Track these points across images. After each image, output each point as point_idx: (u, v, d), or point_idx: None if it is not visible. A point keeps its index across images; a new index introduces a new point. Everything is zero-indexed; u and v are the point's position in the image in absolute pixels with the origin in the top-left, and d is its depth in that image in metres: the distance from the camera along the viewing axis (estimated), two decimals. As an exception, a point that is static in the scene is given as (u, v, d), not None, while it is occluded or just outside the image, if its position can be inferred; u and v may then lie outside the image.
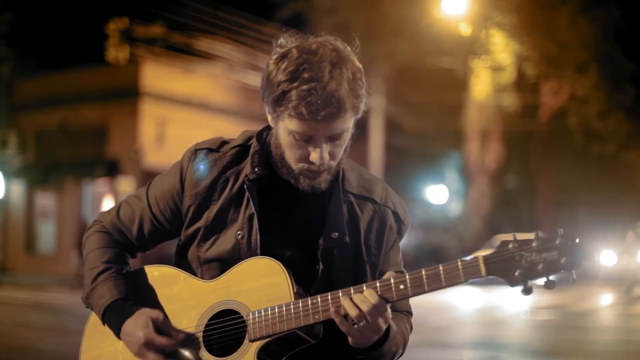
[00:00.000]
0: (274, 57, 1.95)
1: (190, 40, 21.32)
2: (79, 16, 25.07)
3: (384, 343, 1.91)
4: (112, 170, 22.99)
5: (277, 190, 2.02)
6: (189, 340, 1.99)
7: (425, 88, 23.68)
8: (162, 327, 1.96)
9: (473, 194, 25.93)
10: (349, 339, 1.88)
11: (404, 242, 2.22)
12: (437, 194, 30.60)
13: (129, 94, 22.58)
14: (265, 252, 1.97)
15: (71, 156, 23.55)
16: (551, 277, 1.72)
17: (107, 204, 23.33)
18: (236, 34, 20.79)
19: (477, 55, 23.96)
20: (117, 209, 2.17)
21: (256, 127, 2.16)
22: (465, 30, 23.08)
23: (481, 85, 24.62)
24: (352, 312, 1.81)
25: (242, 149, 2.07)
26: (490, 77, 24.51)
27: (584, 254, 1.71)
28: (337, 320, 1.83)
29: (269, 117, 1.99)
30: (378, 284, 1.85)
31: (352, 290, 1.86)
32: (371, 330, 1.84)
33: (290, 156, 1.94)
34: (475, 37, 23.43)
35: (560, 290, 1.85)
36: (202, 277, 2.04)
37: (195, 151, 2.09)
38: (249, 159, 2.04)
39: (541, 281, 1.74)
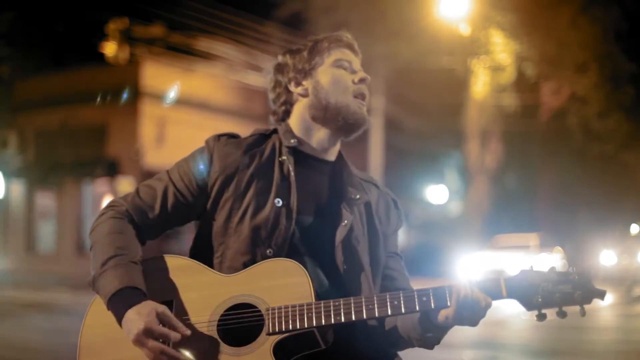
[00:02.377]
0: (288, 54, 2.28)
1: (190, 40, 21.32)
2: (79, 16, 25.06)
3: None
4: (112, 170, 22.99)
5: (303, 162, 2.17)
6: (201, 329, 1.98)
7: (425, 88, 23.66)
8: (166, 320, 1.95)
9: (473, 194, 25.91)
10: (442, 317, 1.93)
11: (404, 242, 2.30)
12: (437, 194, 30.61)
13: (129, 94, 22.56)
14: (299, 216, 2.08)
15: (71, 156, 23.54)
16: (564, 308, 1.88)
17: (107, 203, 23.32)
18: (236, 34, 20.79)
19: (477, 55, 23.95)
20: (137, 191, 2.19)
21: (256, 127, 2.32)
22: (465, 30, 23.07)
23: (481, 85, 24.61)
24: (465, 300, 1.89)
25: (261, 136, 2.23)
26: (490, 77, 24.50)
27: (597, 292, 1.90)
28: (454, 307, 1.89)
29: (300, 87, 2.21)
30: (402, 295, 1.92)
31: (375, 299, 1.92)
32: (470, 321, 1.93)
33: (339, 87, 2.17)
34: (475, 37, 23.42)
35: (568, 308, 1.93)
36: (226, 251, 2.07)
37: (218, 136, 2.21)
38: (279, 136, 2.21)
39: (554, 310, 1.90)
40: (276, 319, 1.92)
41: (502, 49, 24.07)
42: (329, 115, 2.16)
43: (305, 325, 1.90)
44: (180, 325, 1.95)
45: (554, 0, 23.35)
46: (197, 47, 21.44)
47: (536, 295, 1.88)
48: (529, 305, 1.89)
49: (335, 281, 1.99)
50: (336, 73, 2.19)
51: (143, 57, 22.47)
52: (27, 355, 8.13)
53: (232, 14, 20.42)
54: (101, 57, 22.65)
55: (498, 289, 1.91)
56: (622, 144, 26.85)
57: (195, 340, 1.97)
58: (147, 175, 20.82)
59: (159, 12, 20.80)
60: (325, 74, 2.18)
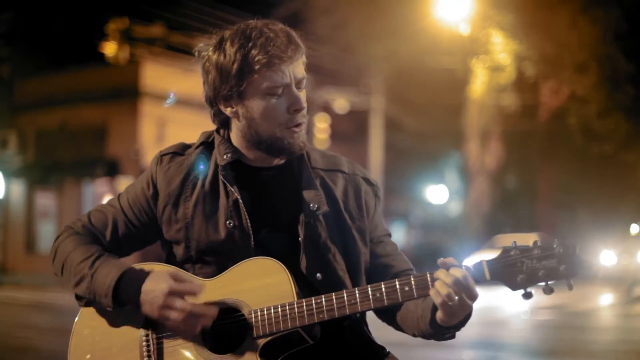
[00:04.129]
0: (210, 49, 2.05)
1: (190, 40, 21.29)
2: (79, 16, 25.05)
3: (466, 321, 1.95)
4: (112, 170, 22.99)
5: (247, 176, 2.06)
6: (187, 340, 1.97)
7: (425, 88, 23.65)
8: (180, 277, 1.94)
9: (473, 194, 25.90)
10: (439, 317, 1.88)
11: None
12: (437, 194, 30.60)
13: (129, 94, 22.58)
14: (256, 235, 2.00)
15: (71, 156, 23.55)
16: (550, 283, 1.81)
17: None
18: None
19: (476, 55, 23.95)
20: (88, 215, 2.14)
21: (204, 131, 2.21)
22: (465, 30, 23.06)
23: (481, 85, 24.60)
24: (443, 291, 1.83)
25: (205, 146, 2.12)
26: (489, 77, 24.49)
27: (582, 263, 1.82)
28: (437, 300, 1.84)
29: (229, 109, 2.03)
30: (383, 286, 1.88)
31: (357, 293, 1.89)
32: (461, 309, 1.86)
33: (270, 120, 1.98)
34: (475, 37, 23.42)
35: (560, 290, 1.89)
36: (197, 275, 2.02)
37: (160, 156, 2.12)
38: (215, 151, 2.08)
39: (540, 287, 1.83)
40: (259, 322, 1.90)
41: (502, 48, 24.06)
42: (262, 145, 2.02)
43: (289, 327, 1.89)
44: (193, 277, 1.97)
45: (554, 0, 23.35)
46: (197, 47, 21.43)
47: (519, 274, 1.82)
48: (513, 285, 1.83)
49: (313, 292, 1.94)
50: (267, 104, 1.97)
51: (143, 57, 22.46)
52: (27, 355, 8.13)
53: (232, 14, 20.41)
54: (101, 57, 22.63)
55: (481, 272, 1.85)
56: (622, 144, 26.84)
57: (182, 349, 1.96)
58: (147, 175, 20.85)
59: (159, 12, 20.78)
60: (256, 103, 1.98)
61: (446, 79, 23.41)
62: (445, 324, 1.90)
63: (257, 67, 1.94)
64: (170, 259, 2.11)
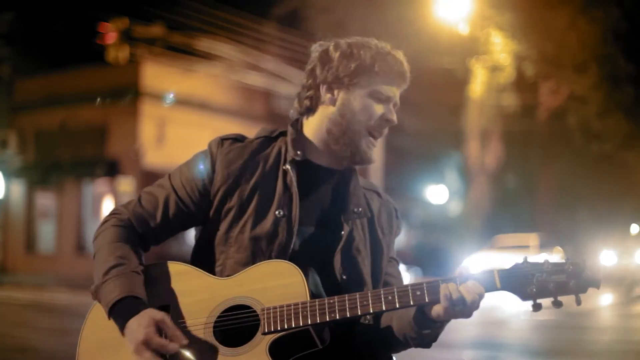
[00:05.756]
0: (332, 46, 2.16)
1: (190, 40, 21.30)
2: (79, 16, 25.05)
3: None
4: (112, 170, 22.99)
5: (308, 172, 2.15)
6: (197, 332, 1.99)
7: (425, 88, 23.65)
8: (165, 328, 1.96)
9: (473, 194, 25.91)
10: (436, 312, 1.92)
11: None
12: (437, 194, 30.61)
13: (129, 94, 22.57)
14: (300, 227, 2.08)
15: (71, 156, 23.55)
16: (559, 298, 1.88)
17: (107, 204, 23.35)
18: (236, 34, 20.78)
19: (476, 55, 23.95)
20: (139, 198, 2.19)
21: (256, 127, 2.27)
22: (464, 30, 23.07)
23: (480, 85, 24.61)
24: (455, 295, 1.89)
25: (266, 139, 2.19)
26: (489, 76, 24.50)
27: (591, 280, 1.88)
28: (444, 303, 1.89)
29: (329, 95, 2.14)
30: (396, 290, 1.93)
31: (369, 295, 1.92)
32: (463, 314, 1.92)
33: (364, 117, 2.11)
34: (475, 36, 23.42)
35: (563, 297, 1.92)
36: (227, 260, 2.08)
37: (222, 140, 2.18)
38: (281, 144, 2.17)
39: (549, 300, 1.90)
40: (271, 318, 1.93)
41: (502, 48, 24.07)
42: (342, 140, 2.12)
43: (300, 324, 1.91)
44: (178, 333, 1.96)
45: (554, 0, 23.35)
46: (197, 47, 21.41)
47: (530, 286, 1.88)
48: (523, 296, 1.89)
49: (334, 291, 1.98)
50: (369, 104, 2.13)
51: (143, 57, 22.44)
52: (27, 355, 8.13)
53: (232, 14, 20.41)
54: (101, 57, 22.64)
55: (492, 280, 1.90)
56: (622, 144, 26.85)
57: (192, 342, 1.98)
58: (147, 175, 20.84)
59: (159, 12, 20.78)
60: (359, 98, 2.12)
61: (446, 79, 23.43)
62: (439, 318, 1.93)
63: (379, 71, 2.12)
64: (204, 240, 2.15)
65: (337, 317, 1.90)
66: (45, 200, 25.27)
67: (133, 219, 2.14)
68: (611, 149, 26.23)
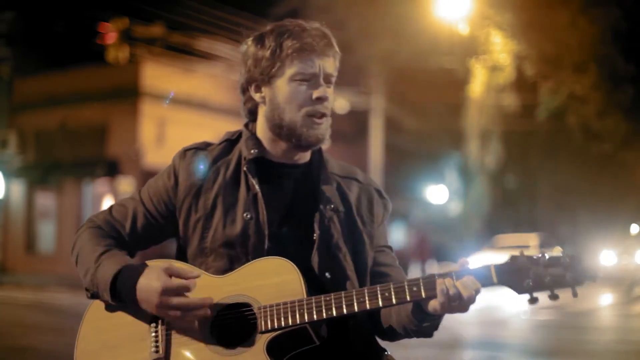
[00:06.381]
0: (250, 41, 2.13)
1: (190, 40, 21.32)
2: (79, 16, 25.07)
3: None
4: (112, 170, 23.00)
5: (269, 171, 2.12)
6: (194, 333, 1.98)
7: (425, 88, 23.66)
8: (175, 272, 1.97)
9: (473, 194, 25.92)
10: (432, 307, 1.91)
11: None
12: (437, 194, 30.58)
13: (129, 94, 22.58)
14: (270, 229, 2.05)
15: (71, 156, 23.56)
16: (555, 291, 1.87)
17: (107, 204, 23.35)
18: (236, 34, 20.78)
19: (476, 55, 23.96)
20: (110, 208, 2.21)
21: (227, 131, 2.28)
22: (464, 29, 23.08)
23: (480, 85, 24.62)
24: (452, 291, 1.87)
25: (229, 143, 2.19)
26: (489, 76, 24.51)
27: (588, 273, 1.88)
28: (441, 298, 1.87)
29: (258, 94, 2.12)
30: (392, 286, 1.91)
31: (366, 292, 1.91)
32: (459, 309, 1.91)
33: (294, 107, 2.05)
34: (474, 36, 23.43)
35: (562, 293, 1.92)
36: (207, 270, 2.05)
37: (184, 151, 2.18)
38: (241, 145, 2.15)
39: (546, 294, 1.88)
40: (268, 316, 1.92)
41: (501, 48, 24.08)
42: (283, 132, 2.08)
43: (297, 322, 1.91)
44: (189, 270, 1.99)
45: (553, 0, 23.36)
46: (197, 47, 21.43)
47: (526, 280, 1.87)
48: (519, 290, 1.88)
49: (319, 290, 1.97)
50: (293, 89, 2.05)
51: (143, 57, 22.47)
52: (26, 355, 8.14)
53: (232, 14, 20.41)
54: (101, 57, 22.65)
55: (488, 275, 1.89)
56: (621, 144, 26.87)
57: (190, 341, 1.98)
58: (147, 175, 20.81)
59: (159, 12, 20.79)
60: (282, 87, 2.06)
61: (446, 79, 23.43)
62: (436, 312, 1.92)
63: (289, 51, 2.03)
64: (182, 252, 2.14)
65: (334, 315, 1.90)
66: (45, 200, 25.27)
67: (104, 226, 2.16)
68: (611, 149, 26.25)
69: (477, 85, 24.65)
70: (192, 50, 21.62)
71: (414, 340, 2.18)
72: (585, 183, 30.02)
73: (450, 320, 2.01)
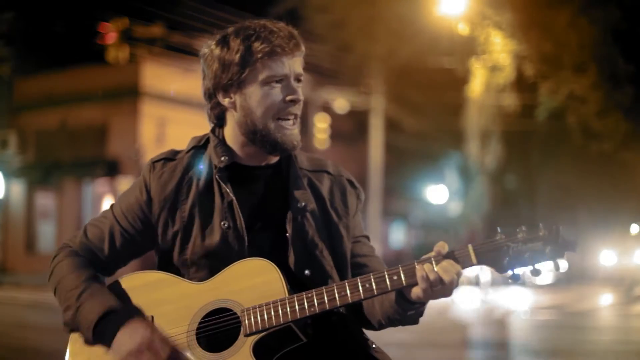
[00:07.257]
0: (213, 44, 2.09)
1: (190, 40, 21.30)
2: (79, 16, 25.05)
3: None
4: (112, 170, 23.00)
5: (240, 176, 2.10)
6: (181, 340, 1.98)
7: (425, 88, 23.65)
8: (153, 342, 1.95)
9: (473, 194, 25.91)
10: (415, 294, 1.91)
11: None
12: (437, 194, 30.56)
13: (129, 94, 22.58)
14: (250, 234, 2.03)
15: (71, 156, 23.55)
16: (537, 266, 1.86)
17: (107, 204, 23.33)
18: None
19: (475, 54, 23.95)
20: (84, 231, 2.17)
21: (194, 136, 2.25)
22: (464, 29, 23.06)
23: (480, 85, 24.61)
24: (432, 276, 1.88)
25: (197, 150, 2.16)
26: (489, 76, 24.50)
27: (567, 244, 1.87)
28: (422, 284, 1.87)
29: (227, 99, 2.08)
30: (372, 277, 1.91)
31: (347, 285, 1.91)
32: (442, 294, 1.91)
33: (266, 108, 2.03)
34: (474, 36, 23.42)
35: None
36: (190, 281, 2.04)
37: (152, 163, 2.19)
38: (210, 152, 2.12)
39: (528, 269, 1.87)
40: (252, 318, 1.92)
41: (501, 48, 24.06)
42: (257, 138, 2.05)
43: (281, 321, 1.91)
44: (168, 338, 1.96)
45: (553, 0, 23.36)
46: (197, 47, 21.40)
47: (506, 257, 1.86)
48: (500, 268, 1.87)
49: (302, 288, 1.96)
50: (265, 92, 2.02)
51: (143, 57, 22.46)
52: (27, 355, 8.14)
53: (232, 14, 20.41)
54: (101, 57, 22.64)
55: (467, 257, 1.90)
56: (621, 143, 26.86)
57: (177, 352, 1.97)
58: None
59: (159, 12, 20.78)
60: (254, 92, 2.03)
61: (446, 79, 23.42)
62: (419, 300, 1.92)
63: (259, 55, 2.00)
64: (163, 265, 2.12)
65: (317, 311, 1.90)
66: (45, 200, 25.27)
67: (81, 252, 2.12)
68: (610, 148, 26.23)
69: (477, 85, 24.64)
70: (192, 50, 21.60)
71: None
72: (585, 183, 29.99)
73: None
